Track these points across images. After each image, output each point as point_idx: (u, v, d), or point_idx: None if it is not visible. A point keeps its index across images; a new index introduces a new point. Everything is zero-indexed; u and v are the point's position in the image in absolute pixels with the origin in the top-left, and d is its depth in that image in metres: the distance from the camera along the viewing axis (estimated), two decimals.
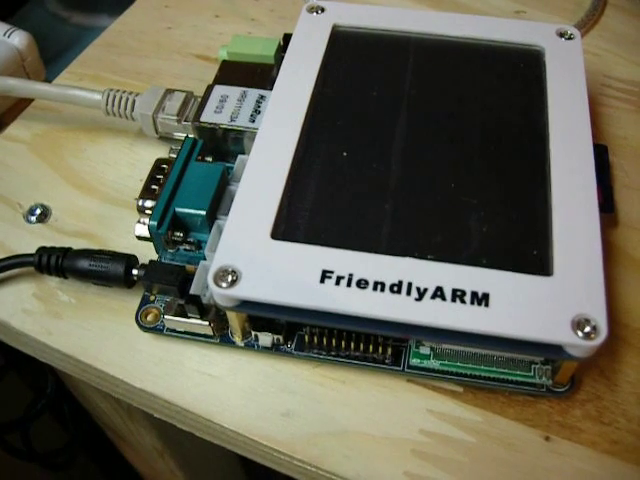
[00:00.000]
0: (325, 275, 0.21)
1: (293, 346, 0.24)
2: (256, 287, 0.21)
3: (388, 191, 0.24)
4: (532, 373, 0.23)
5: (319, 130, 0.26)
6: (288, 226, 0.23)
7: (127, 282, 0.25)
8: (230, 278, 0.22)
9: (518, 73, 0.28)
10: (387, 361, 0.23)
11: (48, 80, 0.35)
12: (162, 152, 0.30)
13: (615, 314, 0.25)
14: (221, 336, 0.24)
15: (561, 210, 0.23)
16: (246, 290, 0.21)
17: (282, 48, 0.31)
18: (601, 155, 0.29)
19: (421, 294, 0.21)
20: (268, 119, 0.26)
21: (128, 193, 0.29)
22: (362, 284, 0.21)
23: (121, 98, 0.29)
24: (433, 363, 0.23)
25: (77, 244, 0.27)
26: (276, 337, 0.24)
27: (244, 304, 0.22)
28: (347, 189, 0.24)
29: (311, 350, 0.24)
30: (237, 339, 0.24)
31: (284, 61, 0.28)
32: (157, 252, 0.26)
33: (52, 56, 0.58)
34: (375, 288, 0.21)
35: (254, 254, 0.22)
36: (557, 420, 0.23)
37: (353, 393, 0.24)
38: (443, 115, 0.26)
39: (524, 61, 0.28)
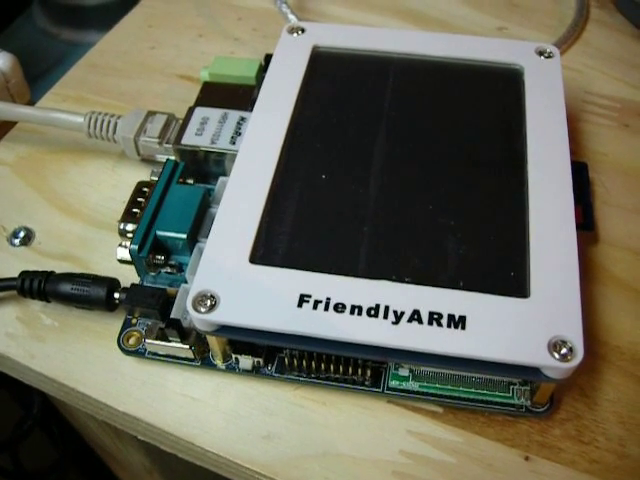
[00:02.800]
0: (303, 299, 0.22)
1: (273, 368, 0.24)
2: (234, 312, 0.22)
3: (366, 214, 0.24)
4: (511, 394, 0.23)
5: (298, 153, 0.26)
6: (266, 250, 0.23)
7: (109, 305, 0.25)
8: (209, 303, 0.22)
9: (498, 93, 0.28)
10: (366, 383, 0.23)
11: (33, 100, 0.35)
12: (145, 174, 0.30)
13: (595, 331, 0.25)
14: (202, 359, 0.24)
15: (538, 231, 0.23)
16: (224, 315, 0.21)
17: (263, 68, 0.31)
18: (581, 173, 0.29)
19: (398, 317, 0.21)
20: (247, 142, 0.26)
21: (111, 215, 0.29)
22: (339, 308, 0.21)
23: (103, 121, 0.29)
24: (412, 385, 0.23)
25: (60, 267, 0.27)
26: (256, 360, 0.24)
27: (223, 328, 0.22)
28: (325, 212, 0.24)
29: (291, 372, 0.24)
30: (218, 362, 0.24)
31: (264, 82, 0.28)
32: (139, 275, 0.26)
33: (42, 72, 0.59)
34: (352, 312, 0.21)
35: (232, 279, 0.22)
36: (537, 440, 0.23)
37: (333, 414, 0.24)
38: (422, 136, 0.26)
39: (504, 80, 0.28)
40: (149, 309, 0.24)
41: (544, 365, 0.21)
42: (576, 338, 0.21)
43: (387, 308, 0.21)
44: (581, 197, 0.28)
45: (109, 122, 0.29)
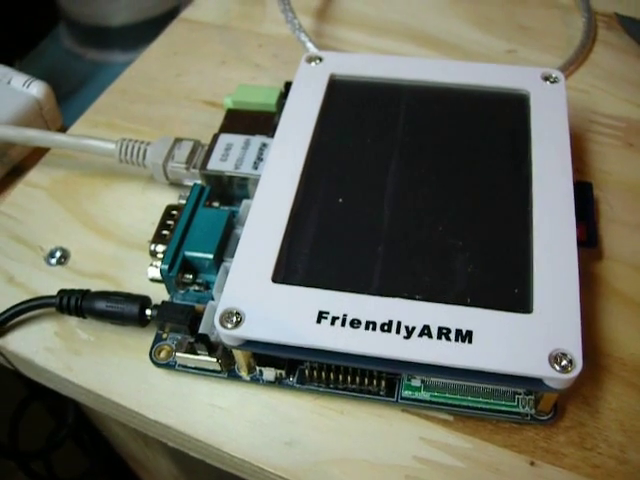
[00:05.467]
0: (321, 316, 0.23)
1: (295, 380, 0.26)
2: (258, 328, 0.23)
3: (380, 235, 0.26)
4: (516, 403, 0.24)
5: (316, 177, 0.28)
6: (287, 270, 0.25)
7: (141, 321, 0.27)
8: (235, 319, 0.23)
9: (505, 117, 0.30)
10: (381, 393, 0.25)
11: (65, 125, 0.37)
12: (172, 196, 0.32)
13: (598, 344, 0.27)
14: (229, 371, 0.26)
15: (541, 251, 0.25)
16: (249, 331, 0.23)
17: (283, 95, 0.33)
18: (586, 192, 0.30)
19: (409, 332, 0.23)
20: (269, 168, 0.28)
21: (141, 236, 0.31)
22: (355, 324, 0.23)
23: (133, 147, 0.31)
24: (424, 395, 0.25)
25: (95, 285, 0.29)
26: (279, 372, 0.25)
27: (248, 343, 0.24)
28: (342, 234, 0.26)
29: (311, 383, 0.25)
30: (243, 374, 0.26)
31: (284, 111, 0.30)
32: (169, 292, 0.28)
33: (68, 92, 0.61)
34: (367, 327, 0.23)
35: (256, 297, 0.24)
36: (542, 446, 0.24)
37: (351, 423, 0.25)
38: (433, 161, 0.28)
39: (510, 105, 0.30)
40: (179, 324, 0.26)
41: (545, 376, 0.22)
42: (575, 350, 0.22)
43: (399, 324, 0.23)
44: (585, 215, 0.29)
45: (139, 148, 0.31)
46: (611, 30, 0.39)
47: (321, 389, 0.25)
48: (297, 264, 0.25)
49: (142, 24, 0.63)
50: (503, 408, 0.24)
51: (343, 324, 0.23)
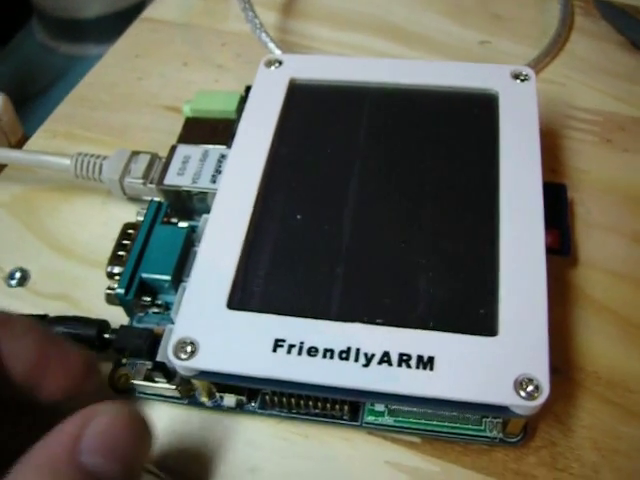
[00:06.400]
0: (277, 344, 0.22)
1: (257, 405, 0.25)
2: (213, 358, 0.22)
3: (340, 254, 0.25)
4: (483, 427, 0.23)
5: (274, 192, 0.26)
6: (243, 295, 0.24)
7: (99, 346, 0.26)
8: (189, 349, 0.23)
9: (473, 119, 0.28)
10: (345, 417, 0.24)
11: (27, 134, 0.36)
12: (133, 210, 0.30)
13: (571, 357, 0.26)
14: (189, 397, 0.25)
15: (508, 266, 0.24)
16: (204, 362, 0.22)
17: (244, 100, 0.32)
18: (560, 195, 0.29)
19: (368, 360, 0.22)
20: (224, 183, 0.27)
21: (101, 253, 0.29)
22: (312, 352, 0.22)
23: (89, 162, 0.30)
24: (388, 420, 0.24)
25: (55, 307, 0.28)
26: (240, 398, 0.25)
27: (204, 373, 0.23)
28: (300, 254, 0.25)
29: (273, 408, 0.25)
30: (204, 399, 0.25)
31: (241, 120, 0.29)
32: (128, 315, 0.27)
33: (42, 87, 0.60)
34: (325, 355, 0.22)
35: (211, 325, 0.23)
36: (512, 467, 0.24)
37: (315, 447, 0.25)
38: (395, 171, 0.27)
39: (479, 107, 0.29)
40: (137, 350, 0.26)
41: (510, 404, 0.21)
42: (542, 376, 0.21)
43: (358, 351, 0.22)
44: (559, 220, 0.28)
45: (94, 164, 0.30)
46: (588, 16, 0.38)
47: (283, 414, 0.25)
48: (253, 288, 0.24)
49: (115, 16, 0.62)
50: (470, 432, 0.24)
51: (300, 352, 0.22)
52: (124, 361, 0.26)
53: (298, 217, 0.26)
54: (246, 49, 0.37)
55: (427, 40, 0.37)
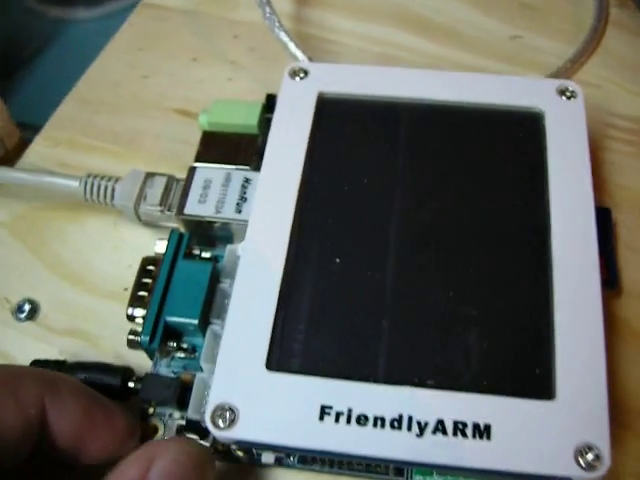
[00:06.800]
0: (324, 411, 0.21)
1: (295, 460, 0.24)
2: (256, 428, 0.21)
3: (384, 304, 0.23)
4: None
5: (309, 231, 0.25)
6: (283, 354, 0.22)
7: (123, 395, 0.25)
8: (228, 416, 0.21)
9: (518, 144, 0.26)
10: (389, 475, 0.23)
11: (23, 136, 0.33)
12: (148, 233, 0.29)
13: (617, 397, 0.25)
14: (225, 452, 0.24)
15: (563, 320, 0.22)
16: (245, 432, 0.21)
17: (266, 109, 0.29)
18: (604, 220, 0.27)
19: (422, 429, 0.21)
20: (254, 222, 0.25)
21: (116, 282, 0.28)
22: (362, 420, 0.21)
23: (100, 186, 0.27)
24: (436, 479, 0.23)
25: (69, 344, 0.27)
26: (278, 455, 0.23)
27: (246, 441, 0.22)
28: (342, 304, 0.23)
29: (314, 464, 0.24)
30: (240, 454, 0.24)
31: (268, 142, 0.27)
32: (151, 359, 0.25)
33: (33, 53, 0.56)
34: (375, 424, 0.21)
35: (250, 389, 0.22)
36: None
37: None
38: (438, 204, 0.25)
39: (523, 129, 0.27)
40: (165, 401, 0.24)
41: (570, 475, 0.20)
42: (603, 444, 0.20)
43: (410, 419, 0.21)
44: (604, 249, 0.27)
45: (106, 187, 0.27)
46: (624, 9, 0.35)
47: (325, 470, 0.24)
48: (293, 345, 0.22)
49: None
50: None
51: (349, 421, 0.21)
52: (151, 411, 0.25)
53: (337, 261, 0.24)
54: (260, 42, 0.34)
55: (454, 33, 0.35)
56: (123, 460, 0.20)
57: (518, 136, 0.27)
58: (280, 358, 0.22)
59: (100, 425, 0.21)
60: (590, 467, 0.20)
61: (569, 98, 0.27)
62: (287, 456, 0.24)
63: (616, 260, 0.27)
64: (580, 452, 0.20)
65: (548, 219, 0.24)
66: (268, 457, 0.24)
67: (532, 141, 0.26)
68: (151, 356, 0.25)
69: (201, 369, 0.24)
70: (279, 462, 0.24)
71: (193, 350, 0.25)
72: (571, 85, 0.27)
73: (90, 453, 0.21)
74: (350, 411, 0.21)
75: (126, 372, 0.25)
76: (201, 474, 0.20)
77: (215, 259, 0.27)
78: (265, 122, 0.29)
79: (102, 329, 0.27)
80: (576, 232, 0.24)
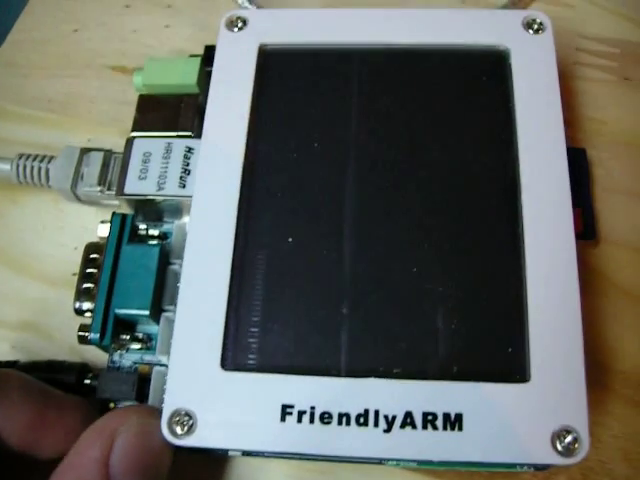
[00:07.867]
0: (285, 411, 0.20)
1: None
2: (215, 434, 0.20)
3: (343, 287, 0.21)
4: (516, 468, 0.22)
5: (258, 208, 0.23)
6: (238, 351, 0.21)
7: (80, 392, 0.24)
8: (185, 422, 0.20)
9: (481, 90, 0.24)
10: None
11: None
12: (91, 211, 0.26)
13: (597, 357, 0.24)
14: None
15: (537, 294, 0.21)
16: (203, 439, 0.20)
17: (206, 62, 0.26)
18: (579, 163, 0.25)
19: (389, 424, 0.20)
20: (196, 206, 0.22)
21: (63, 268, 0.26)
22: (325, 418, 0.20)
23: (32, 168, 0.25)
24: (410, 463, 0.22)
25: (21, 339, 0.25)
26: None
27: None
28: (298, 290, 0.21)
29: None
30: None
31: (207, 109, 0.24)
32: (106, 352, 0.24)
33: None
34: (340, 422, 0.20)
35: (206, 391, 0.20)
36: None
37: None
38: (397, 166, 0.23)
39: (487, 71, 0.24)
40: (124, 397, 0.23)
41: (549, 463, 0.19)
42: (581, 427, 0.19)
43: (377, 413, 0.20)
44: (579, 196, 0.25)
45: (39, 169, 0.25)
46: None
47: (296, 458, 0.23)
48: (248, 341, 0.21)
49: None
50: (500, 470, 0.22)
51: (312, 420, 0.20)
52: (112, 405, 0.24)
53: (289, 240, 0.22)
54: None
55: None
56: (82, 435, 0.19)
57: (482, 80, 0.24)
58: (235, 356, 0.21)
59: (52, 422, 0.20)
60: (568, 451, 0.19)
61: (537, 31, 0.24)
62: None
63: (593, 208, 0.25)
64: (557, 436, 0.19)
65: (517, 173, 0.22)
66: (234, 452, 0.23)
67: (497, 84, 0.24)
68: (106, 350, 0.24)
69: (159, 362, 0.23)
70: (248, 454, 0.23)
71: (149, 339, 0.24)
72: (539, 16, 0.25)
73: (44, 450, 0.20)
74: (313, 409, 0.20)
75: (81, 369, 0.24)
76: (165, 444, 0.20)
77: (165, 236, 0.25)
78: (206, 77, 0.26)
79: (54, 320, 0.26)
80: (548, 188, 0.22)
